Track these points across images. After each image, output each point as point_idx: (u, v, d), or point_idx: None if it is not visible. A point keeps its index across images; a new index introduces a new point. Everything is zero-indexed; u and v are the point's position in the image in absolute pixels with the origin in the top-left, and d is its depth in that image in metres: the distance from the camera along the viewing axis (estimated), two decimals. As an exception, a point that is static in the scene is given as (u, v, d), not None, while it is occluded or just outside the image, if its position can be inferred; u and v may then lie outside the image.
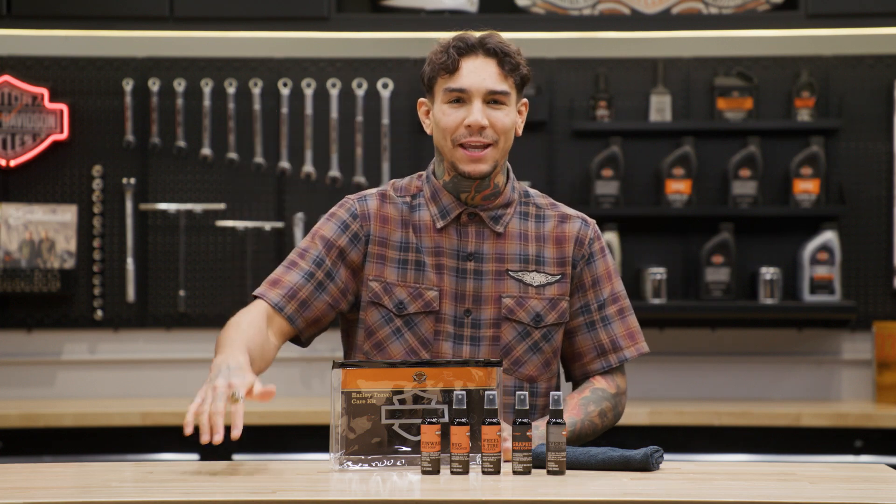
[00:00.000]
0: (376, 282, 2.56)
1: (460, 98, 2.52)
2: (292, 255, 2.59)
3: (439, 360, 2.41)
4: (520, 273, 2.57)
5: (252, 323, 2.50)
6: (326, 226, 2.59)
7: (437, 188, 2.58)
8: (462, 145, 2.51)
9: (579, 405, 2.56)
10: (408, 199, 2.60)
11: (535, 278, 2.57)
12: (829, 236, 4.80)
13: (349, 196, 2.62)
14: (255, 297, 2.56)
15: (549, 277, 2.57)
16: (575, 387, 2.66)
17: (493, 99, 2.51)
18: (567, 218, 2.61)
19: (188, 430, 2.23)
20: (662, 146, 4.92)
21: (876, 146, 4.92)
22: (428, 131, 2.59)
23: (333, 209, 2.61)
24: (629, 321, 2.63)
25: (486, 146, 2.51)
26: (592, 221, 2.64)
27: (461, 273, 2.56)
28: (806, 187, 4.81)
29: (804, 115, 4.87)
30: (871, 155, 4.92)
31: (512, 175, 2.62)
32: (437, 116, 2.54)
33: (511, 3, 4.83)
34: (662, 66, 4.93)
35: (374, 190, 2.63)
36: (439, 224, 2.57)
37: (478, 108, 2.50)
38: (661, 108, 4.90)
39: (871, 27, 4.78)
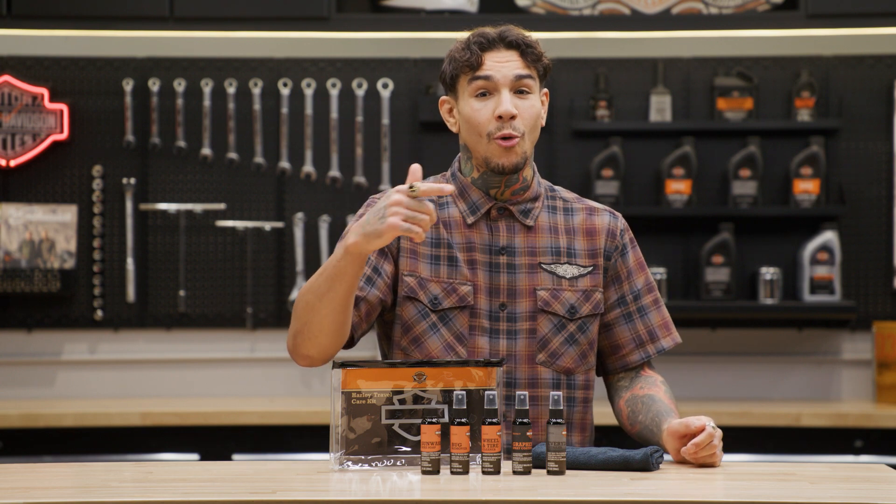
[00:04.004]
0: (411, 277, 2.55)
1: (486, 90, 2.51)
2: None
3: (439, 360, 2.40)
4: (552, 266, 2.56)
5: None
6: None
7: (465, 185, 2.58)
8: (496, 138, 2.51)
9: (670, 398, 2.55)
10: (434, 196, 2.60)
11: (568, 270, 2.57)
12: (829, 236, 4.80)
13: (374, 196, 2.62)
14: None
15: (582, 269, 2.57)
16: (607, 379, 2.65)
17: (519, 87, 2.51)
18: (595, 210, 2.62)
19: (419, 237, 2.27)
20: (662, 146, 4.92)
21: (876, 146, 4.92)
22: (454, 129, 2.59)
23: (361, 210, 2.60)
24: (663, 311, 2.64)
25: (516, 137, 2.51)
26: (619, 214, 2.65)
27: (494, 267, 2.55)
28: (806, 187, 4.81)
29: (804, 115, 4.87)
30: (871, 155, 4.92)
31: (536, 170, 2.62)
32: (467, 113, 2.53)
33: (511, 3, 4.83)
34: (662, 66, 4.93)
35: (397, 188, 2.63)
36: (469, 220, 2.57)
37: (507, 98, 2.50)
38: (661, 108, 4.91)
39: (871, 27, 4.78)
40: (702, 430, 2.35)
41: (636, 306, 2.61)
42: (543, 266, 2.57)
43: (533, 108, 2.52)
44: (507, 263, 2.56)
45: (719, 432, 2.37)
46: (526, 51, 2.52)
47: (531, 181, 2.59)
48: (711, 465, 2.36)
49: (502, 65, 2.51)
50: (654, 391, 2.55)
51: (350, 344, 2.58)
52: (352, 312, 2.47)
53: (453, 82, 2.56)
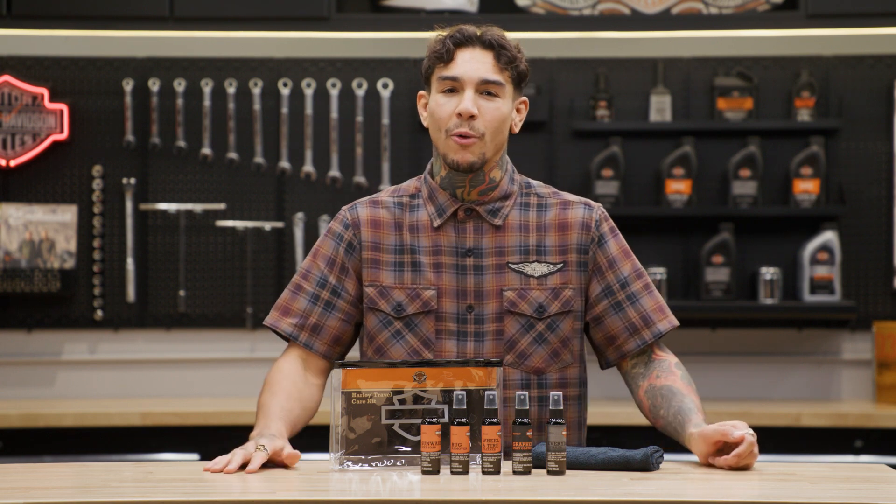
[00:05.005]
0: (372, 287, 2.56)
1: (454, 88, 2.51)
2: (297, 278, 2.61)
3: (439, 360, 2.40)
4: (520, 265, 2.55)
5: (287, 376, 2.55)
6: (325, 243, 2.61)
7: (434, 187, 2.58)
8: (453, 135, 2.51)
9: (687, 385, 2.52)
10: (405, 198, 2.60)
11: (537, 269, 2.55)
12: (829, 236, 4.80)
13: (343, 207, 2.64)
14: (274, 330, 2.61)
15: (551, 267, 2.55)
16: (620, 369, 2.61)
17: (485, 90, 2.50)
18: (569, 204, 2.60)
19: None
20: (662, 146, 4.92)
21: (876, 146, 4.92)
22: (425, 124, 2.59)
23: (330, 224, 2.63)
24: (656, 295, 2.59)
25: (473, 137, 2.50)
26: (597, 204, 2.61)
27: (461, 269, 2.55)
28: (806, 187, 4.81)
29: (804, 115, 4.87)
30: (871, 155, 4.92)
31: (511, 168, 2.60)
32: (432, 107, 2.54)
33: (511, 3, 4.83)
34: (662, 66, 4.93)
35: (367, 197, 2.64)
36: (436, 222, 2.56)
37: (469, 97, 2.49)
38: (661, 108, 4.90)
39: (871, 27, 4.78)
40: (741, 440, 2.30)
41: (625, 294, 2.57)
42: (511, 266, 2.55)
43: (498, 111, 2.51)
44: (475, 265, 2.55)
45: (755, 436, 2.33)
46: (500, 52, 2.50)
47: (500, 181, 2.57)
48: (746, 469, 2.34)
49: (472, 64, 2.50)
50: (670, 381, 2.51)
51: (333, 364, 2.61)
52: (301, 402, 2.54)
53: (428, 75, 2.56)
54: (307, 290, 2.59)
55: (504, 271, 2.54)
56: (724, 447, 2.33)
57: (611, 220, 2.61)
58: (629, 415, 4.40)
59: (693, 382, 2.54)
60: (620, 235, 2.61)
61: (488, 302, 2.54)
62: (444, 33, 2.54)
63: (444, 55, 2.51)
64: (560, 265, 2.56)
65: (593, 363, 2.71)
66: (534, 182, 2.63)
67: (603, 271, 2.57)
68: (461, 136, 2.49)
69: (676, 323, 2.60)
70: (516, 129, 2.58)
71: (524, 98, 2.59)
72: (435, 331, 2.54)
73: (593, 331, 2.59)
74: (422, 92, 2.60)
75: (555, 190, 2.63)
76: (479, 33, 2.52)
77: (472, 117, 2.49)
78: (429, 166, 2.62)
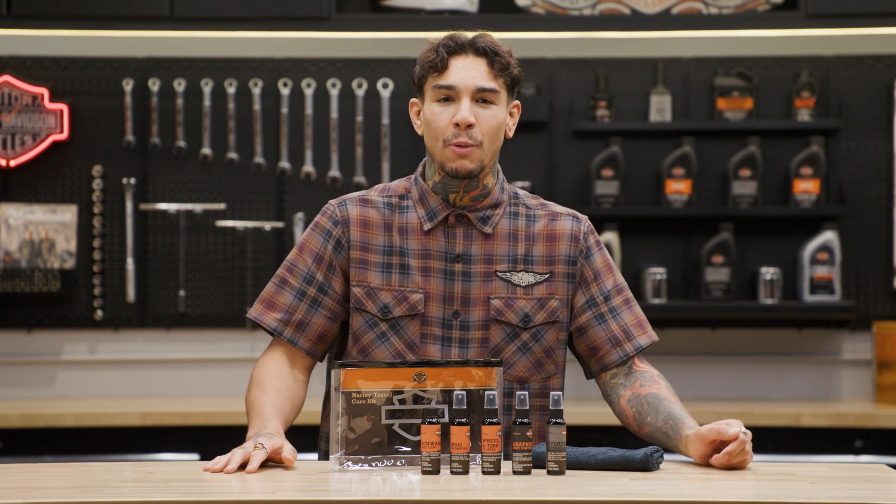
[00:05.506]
0: (359, 287, 2.55)
1: (449, 96, 2.51)
2: (282, 271, 2.60)
3: (439, 360, 2.40)
4: (508, 274, 2.55)
5: (276, 374, 2.55)
6: (312, 237, 2.59)
7: (425, 190, 2.58)
8: (451, 145, 2.51)
9: (672, 394, 2.53)
10: (395, 199, 2.60)
11: (524, 278, 2.56)
12: (829, 236, 4.80)
13: (331, 201, 2.62)
14: (258, 324, 2.62)
15: (538, 277, 2.56)
16: (598, 380, 2.62)
17: (481, 97, 2.50)
18: (557, 216, 2.61)
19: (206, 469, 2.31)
20: (662, 146, 4.92)
21: (876, 146, 4.92)
22: (419, 132, 2.59)
23: (317, 217, 2.61)
24: (636, 310, 2.61)
25: (471, 146, 2.51)
26: (584, 217, 2.62)
27: (449, 275, 2.54)
28: (806, 187, 4.81)
29: (804, 115, 4.87)
30: (871, 155, 4.92)
31: (502, 176, 2.61)
32: (427, 116, 2.54)
33: (511, 3, 4.83)
34: (662, 66, 4.93)
35: (356, 194, 2.63)
36: (427, 226, 2.56)
37: (466, 106, 2.49)
38: (661, 108, 4.91)
39: (871, 27, 4.78)
40: (735, 438, 2.31)
41: (607, 307, 2.58)
42: (499, 274, 2.55)
43: (494, 118, 2.51)
44: (463, 271, 2.55)
45: (749, 434, 2.34)
46: (494, 59, 2.50)
47: (492, 188, 2.57)
48: (741, 468, 2.34)
49: (466, 73, 2.50)
50: (655, 389, 2.53)
51: (318, 360, 2.62)
52: (291, 399, 2.55)
53: (421, 84, 2.56)
54: (293, 285, 2.58)
55: (491, 279, 2.55)
56: (721, 446, 2.34)
57: (596, 234, 2.63)
58: (629, 415, 4.40)
59: (676, 393, 2.55)
60: (605, 249, 2.64)
61: (475, 309, 2.54)
62: (436, 41, 2.53)
63: (437, 64, 2.50)
64: (547, 275, 2.57)
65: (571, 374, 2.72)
66: (521, 192, 2.64)
67: (588, 283, 2.59)
68: (460, 145, 2.50)
69: (656, 338, 2.62)
70: (510, 134, 2.59)
71: (517, 102, 2.59)
72: (420, 335, 2.53)
73: (577, 341, 2.60)
74: (414, 100, 2.60)
75: (542, 201, 2.64)
76: (471, 40, 2.52)
77: (469, 126, 2.49)
78: (420, 168, 2.62)
